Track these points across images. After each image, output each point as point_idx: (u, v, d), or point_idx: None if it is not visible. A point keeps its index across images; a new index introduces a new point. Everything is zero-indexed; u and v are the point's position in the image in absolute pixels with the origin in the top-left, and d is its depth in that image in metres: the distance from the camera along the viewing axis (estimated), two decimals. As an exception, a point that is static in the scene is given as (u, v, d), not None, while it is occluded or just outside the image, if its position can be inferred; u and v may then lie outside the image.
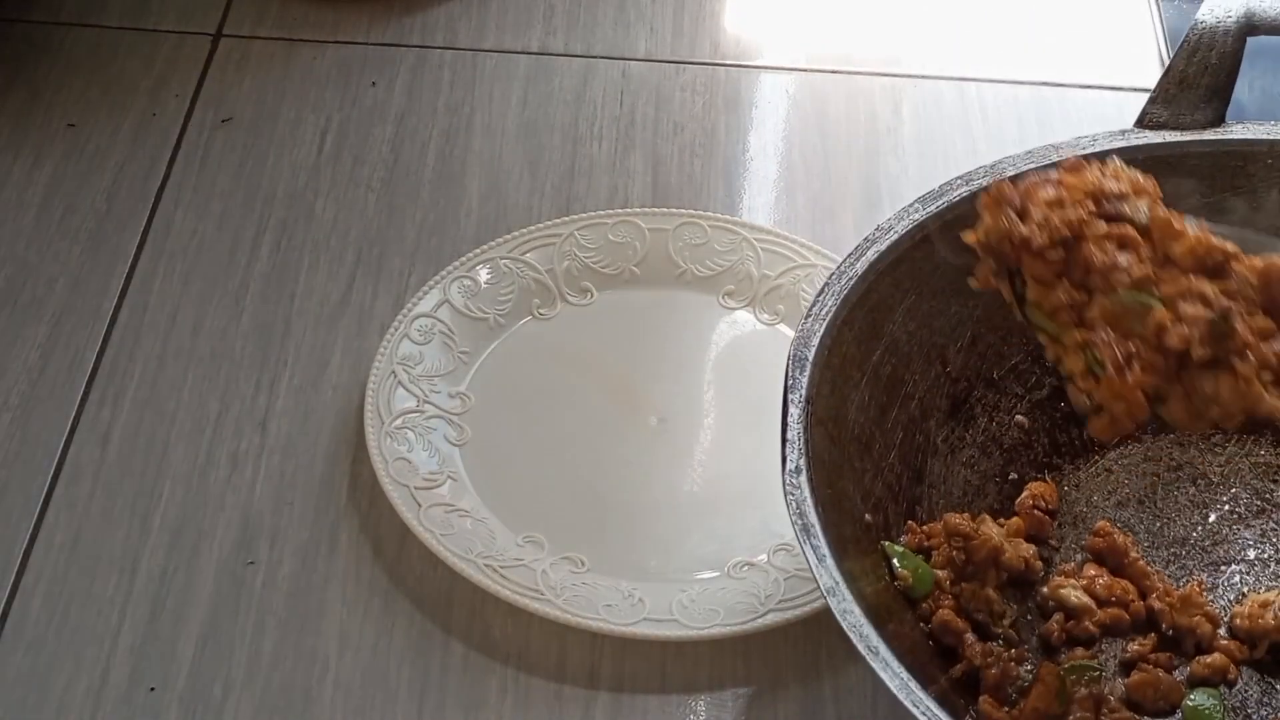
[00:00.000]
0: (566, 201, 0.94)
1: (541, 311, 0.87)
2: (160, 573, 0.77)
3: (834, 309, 0.71)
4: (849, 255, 0.73)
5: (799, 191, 0.96)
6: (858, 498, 0.70)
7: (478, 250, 0.88)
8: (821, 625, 0.76)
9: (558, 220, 0.90)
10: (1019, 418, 0.79)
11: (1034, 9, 1.09)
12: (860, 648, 0.60)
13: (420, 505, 0.77)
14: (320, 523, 0.79)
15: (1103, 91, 1.02)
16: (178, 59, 1.02)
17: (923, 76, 1.04)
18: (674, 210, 0.91)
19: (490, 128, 0.99)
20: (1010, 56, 1.06)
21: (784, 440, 0.67)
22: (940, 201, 0.75)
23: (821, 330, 0.70)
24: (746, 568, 0.77)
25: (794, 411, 0.67)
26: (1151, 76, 1.03)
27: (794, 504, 0.65)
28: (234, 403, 0.84)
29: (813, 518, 0.64)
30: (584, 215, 0.90)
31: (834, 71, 1.04)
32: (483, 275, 0.87)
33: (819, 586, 0.62)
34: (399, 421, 0.81)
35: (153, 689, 0.73)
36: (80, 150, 0.96)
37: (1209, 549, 0.77)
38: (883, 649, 0.60)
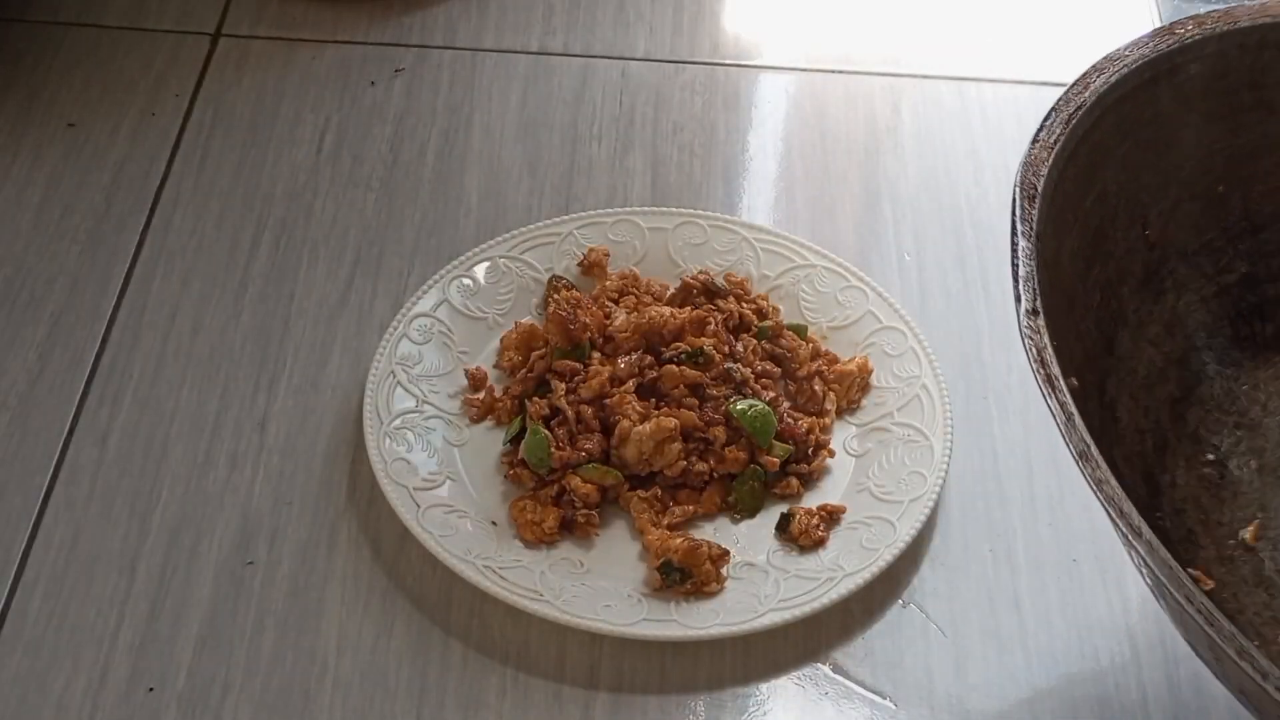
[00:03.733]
0: (566, 201, 0.94)
1: (540, 311, 0.87)
2: (159, 572, 0.77)
3: (1061, 139, 0.65)
4: (1075, 83, 0.68)
5: (798, 191, 0.96)
6: (1065, 358, 0.63)
7: (477, 249, 0.88)
8: (820, 624, 0.76)
9: (557, 219, 0.90)
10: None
11: (1034, 9, 1.09)
12: (1123, 526, 0.55)
13: (419, 506, 0.77)
14: (319, 523, 0.79)
15: (1102, 91, 1.02)
16: (177, 58, 1.02)
17: (922, 76, 1.04)
18: (673, 210, 0.91)
19: (489, 127, 0.99)
20: (1010, 56, 1.06)
21: (1016, 277, 0.60)
22: (1171, 40, 0.69)
23: (1049, 160, 0.64)
24: (746, 568, 0.77)
25: (1024, 245, 0.61)
26: (1151, 76, 1.03)
27: (1034, 349, 0.58)
28: (233, 402, 0.84)
29: (1055, 368, 0.58)
30: (583, 214, 0.90)
31: (833, 71, 1.04)
32: (481, 275, 0.87)
33: (1068, 447, 0.56)
34: (398, 422, 0.81)
35: (151, 689, 0.73)
36: (79, 150, 0.96)
37: None
38: (1146, 531, 0.55)
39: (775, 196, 0.96)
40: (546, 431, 0.79)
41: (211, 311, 0.88)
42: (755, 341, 0.84)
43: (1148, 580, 0.60)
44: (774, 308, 0.86)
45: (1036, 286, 0.60)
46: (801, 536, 0.77)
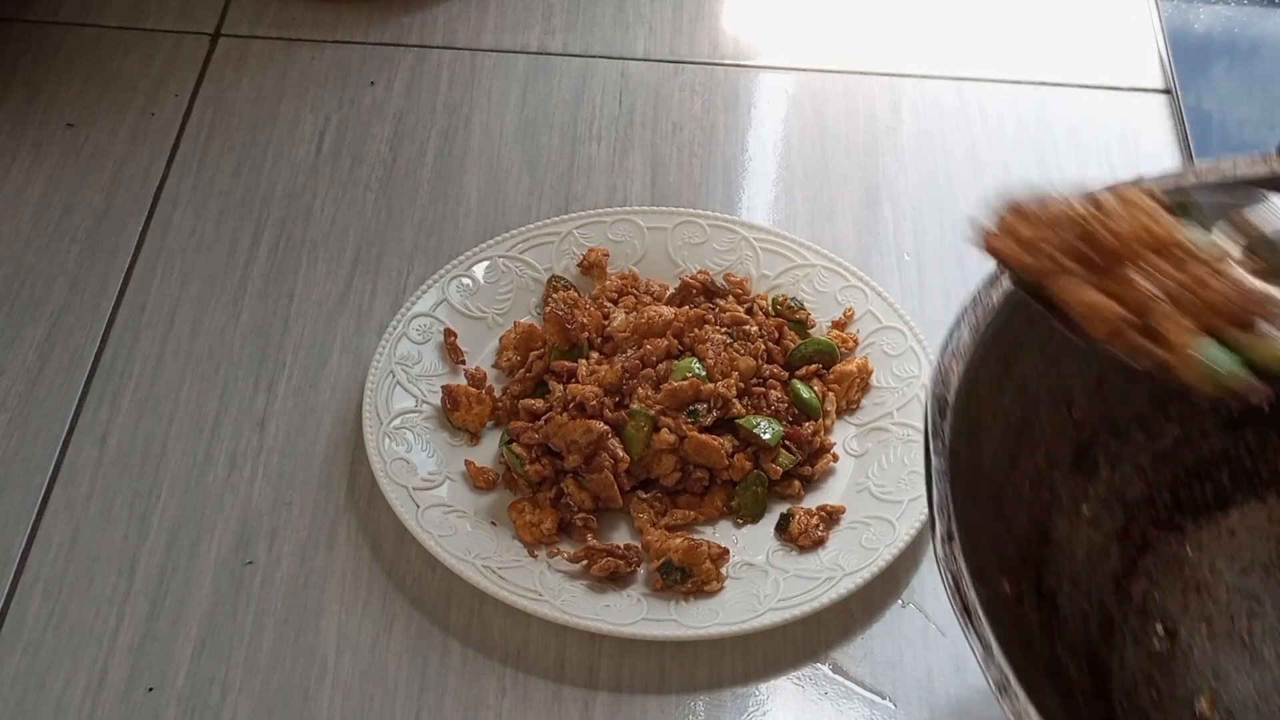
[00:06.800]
0: (565, 201, 0.94)
1: (539, 310, 0.87)
2: (158, 572, 0.77)
3: (971, 344, 0.63)
4: (985, 282, 0.65)
5: (798, 191, 0.96)
6: (994, 563, 0.63)
7: (476, 249, 0.88)
8: (820, 624, 0.76)
9: (556, 219, 0.90)
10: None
11: (1033, 9, 1.09)
12: None
13: (419, 506, 0.77)
14: (319, 523, 0.79)
15: (1103, 91, 1.02)
16: (176, 58, 1.02)
17: (922, 76, 1.04)
18: (673, 209, 0.91)
19: (489, 127, 0.99)
20: (1010, 56, 1.06)
21: (931, 501, 0.59)
22: None
23: (960, 370, 0.62)
24: (745, 567, 0.77)
25: (938, 464, 0.60)
26: (1152, 76, 1.03)
27: (950, 578, 0.56)
28: (232, 402, 0.84)
29: (973, 595, 0.56)
30: (582, 214, 0.90)
31: (833, 71, 1.04)
32: (481, 274, 0.87)
33: (987, 681, 0.54)
34: (397, 421, 0.80)
35: (151, 689, 0.73)
36: (79, 150, 0.96)
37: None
38: None
39: (775, 196, 0.96)
40: (521, 450, 0.79)
41: (211, 311, 0.88)
42: (780, 376, 0.83)
43: None
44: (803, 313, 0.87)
45: (951, 510, 0.58)
46: (801, 536, 0.77)
